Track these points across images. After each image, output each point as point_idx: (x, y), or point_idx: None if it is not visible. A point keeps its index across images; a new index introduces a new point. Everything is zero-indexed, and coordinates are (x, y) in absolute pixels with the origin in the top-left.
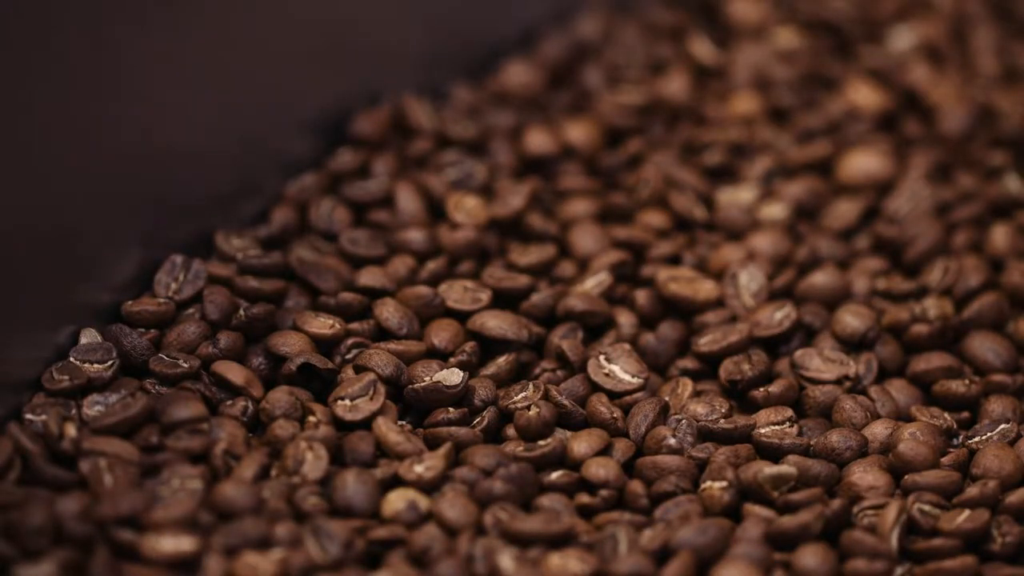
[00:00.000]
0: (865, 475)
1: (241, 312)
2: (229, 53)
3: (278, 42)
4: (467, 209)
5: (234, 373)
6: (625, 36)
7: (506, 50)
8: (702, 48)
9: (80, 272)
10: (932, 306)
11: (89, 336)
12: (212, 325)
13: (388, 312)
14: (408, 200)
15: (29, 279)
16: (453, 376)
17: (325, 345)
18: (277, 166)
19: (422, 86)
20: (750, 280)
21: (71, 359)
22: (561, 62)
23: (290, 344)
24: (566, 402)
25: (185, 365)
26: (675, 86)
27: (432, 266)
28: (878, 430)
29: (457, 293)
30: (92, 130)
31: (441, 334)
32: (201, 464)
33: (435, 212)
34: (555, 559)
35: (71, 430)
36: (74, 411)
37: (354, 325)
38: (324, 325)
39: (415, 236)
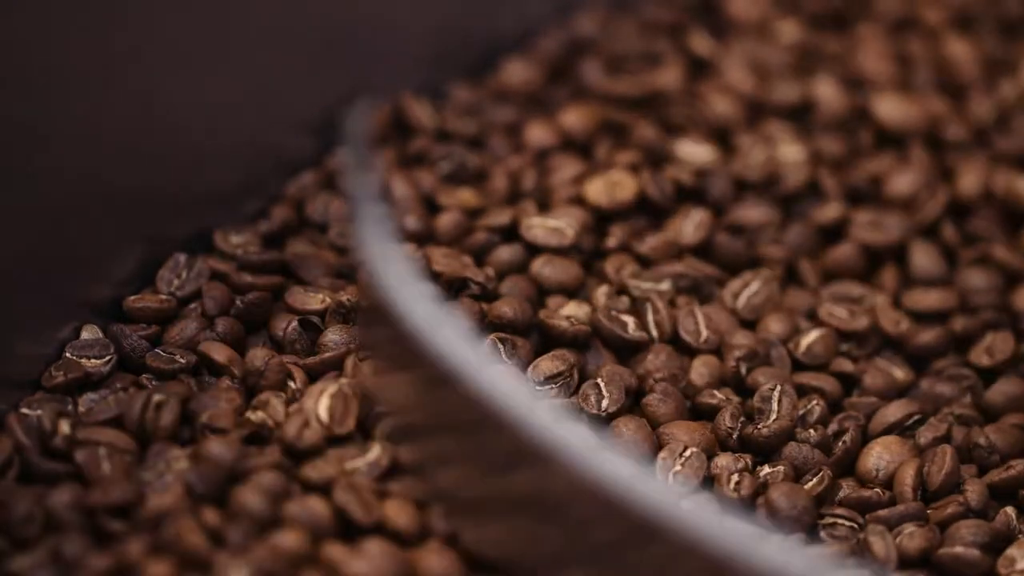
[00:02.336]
0: None
1: (238, 301)
2: (231, 53)
3: (278, 41)
4: (460, 201)
5: (217, 351)
6: (623, 33)
7: (506, 50)
8: (701, 43)
9: (81, 270)
10: None
11: (91, 332)
12: (212, 320)
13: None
14: (402, 188)
15: (31, 277)
16: None
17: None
18: (277, 165)
19: (422, 85)
20: None
21: (67, 355)
22: (559, 57)
23: (286, 323)
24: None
25: (182, 360)
26: (670, 77)
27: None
28: None
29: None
30: (94, 129)
31: None
32: (188, 446)
33: (430, 207)
34: None
35: (64, 427)
36: (70, 407)
37: (340, 294)
38: (315, 300)
39: (408, 220)
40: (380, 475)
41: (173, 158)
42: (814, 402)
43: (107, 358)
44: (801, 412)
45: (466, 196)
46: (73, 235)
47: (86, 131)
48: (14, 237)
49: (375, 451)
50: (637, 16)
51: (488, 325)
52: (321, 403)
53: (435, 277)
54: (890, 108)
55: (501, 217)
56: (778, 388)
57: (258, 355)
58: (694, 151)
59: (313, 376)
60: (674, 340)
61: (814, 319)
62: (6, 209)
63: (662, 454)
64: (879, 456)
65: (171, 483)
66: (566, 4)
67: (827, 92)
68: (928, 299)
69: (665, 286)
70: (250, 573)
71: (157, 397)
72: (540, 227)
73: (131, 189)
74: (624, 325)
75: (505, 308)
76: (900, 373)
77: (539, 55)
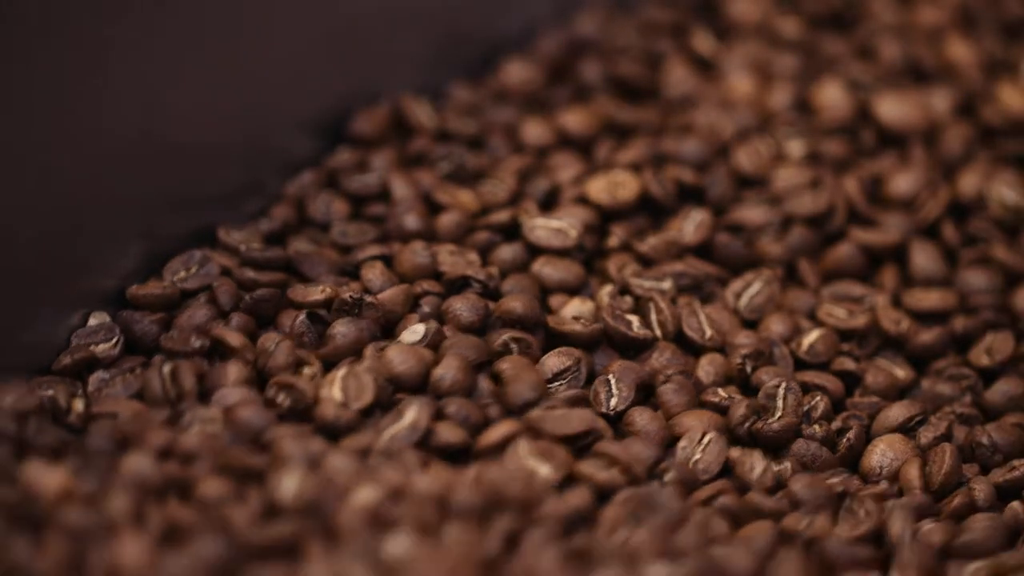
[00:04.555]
0: None
1: (247, 297)
2: (231, 54)
3: (279, 42)
4: (460, 201)
5: (231, 336)
6: (624, 33)
7: (506, 50)
8: (703, 43)
9: (85, 267)
10: None
11: (98, 320)
12: (227, 316)
13: (373, 274)
14: (402, 188)
15: (37, 274)
16: (412, 335)
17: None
18: (278, 165)
19: (422, 86)
20: None
21: (75, 342)
22: (559, 58)
23: (293, 317)
24: None
25: (196, 344)
26: (674, 77)
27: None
28: None
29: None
30: (95, 130)
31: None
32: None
33: (431, 207)
34: None
35: (79, 405)
36: (80, 391)
37: (343, 289)
38: (316, 292)
39: (410, 220)
40: (420, 439)
41: (173, 158)
42: (817, 398)
43: (115, 340)
44: (805, 408)
45: (466, 197)
46: (76, 233)
47: (87, 132)
48: (21, 233)
49: (411, 414)
50: (637, 16)
51: (497, 321)
52: (334, 387)
53: (439, 276)
54: (891, 108)
55: (502, 216)
56: (783, 385)
57: (270, 338)
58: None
59: (328, 366)
60: (677, 339)
61: (814, 319)
62: (11, 210)
63: (681, 443)
64: (883, 454)
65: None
66: (566, 5)
67: (829, 93)
68: (928, 299)
69: (667, 285)
70: (301, 479)
71: (168, 365)
72: (543, 228)
73: (135, 190)
74: (629, 323)
75: (515, 304)
76: (901, 372)
77: (539, 55)
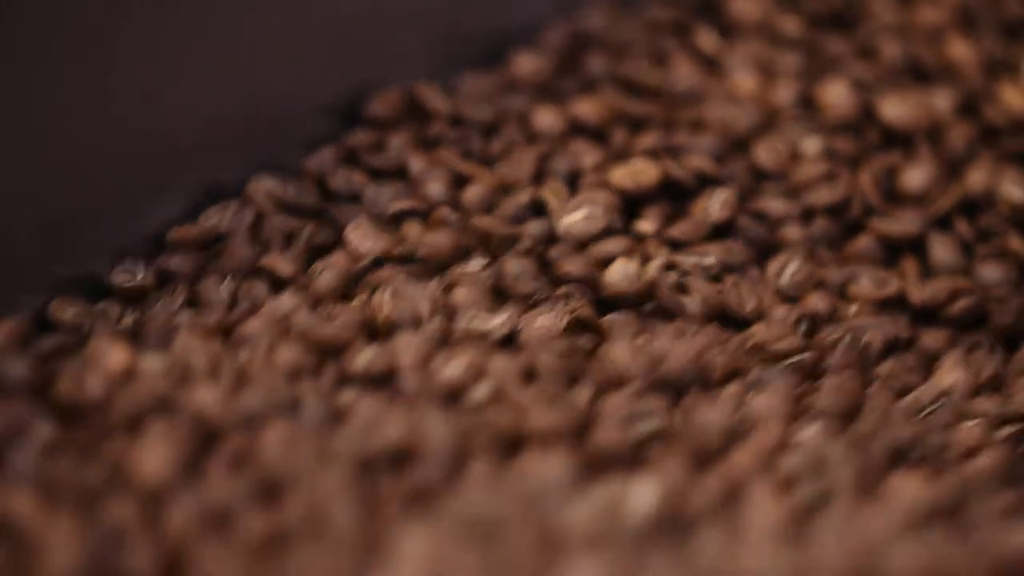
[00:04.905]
0: None
1: (302, 240)
2: (237, 48)
3: (287, 34)
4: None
5: (281, 265)
6: (628, 31)
7: (509, 46)
8: (707, 40)
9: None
10: None
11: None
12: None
13: (414, 235)
14: (421, 163)
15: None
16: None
17: None
18: (294, 148)
19: (431, 77)
20: None
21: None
22: (567, 50)
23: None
24: None
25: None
26: (680, 74)
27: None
28: None
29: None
30: (121, 116)
31: None
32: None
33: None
34: None
35: (129, 319)
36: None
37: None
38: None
39: (434, 187)
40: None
41: (186, 139)
42: (868, 334)
43: (141, 271)
44: (861, 345)
45: (486, 176)
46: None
47: (115, 119)
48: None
49: (503, 315)
50: (640, 16)
51: (552, 280)
52: (384, 306)
53: (485, 237)
54: (893, 108)
55: (522, 198)
56: (848, 335)
57: (319, 265)
58: None
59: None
60: (721, 316)
61: (845, 297)
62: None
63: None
64: (946, 377)
65: None
66: (567, 3)
67: (834, 91)
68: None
69: (710, 260)
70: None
71: (219, 283)
72: (575, 222)
73: (156, 167)
74: (682, 305)
75: (570, 267)
76: (940, 335)
77: (546, 46)
